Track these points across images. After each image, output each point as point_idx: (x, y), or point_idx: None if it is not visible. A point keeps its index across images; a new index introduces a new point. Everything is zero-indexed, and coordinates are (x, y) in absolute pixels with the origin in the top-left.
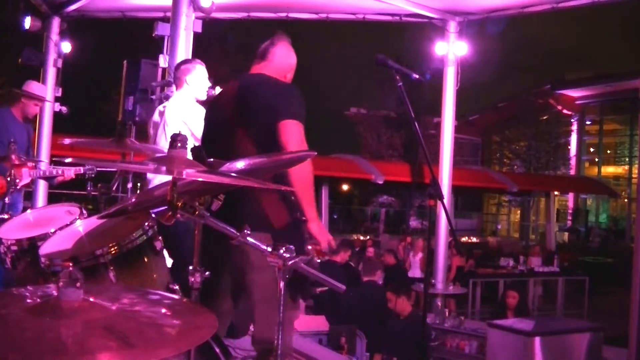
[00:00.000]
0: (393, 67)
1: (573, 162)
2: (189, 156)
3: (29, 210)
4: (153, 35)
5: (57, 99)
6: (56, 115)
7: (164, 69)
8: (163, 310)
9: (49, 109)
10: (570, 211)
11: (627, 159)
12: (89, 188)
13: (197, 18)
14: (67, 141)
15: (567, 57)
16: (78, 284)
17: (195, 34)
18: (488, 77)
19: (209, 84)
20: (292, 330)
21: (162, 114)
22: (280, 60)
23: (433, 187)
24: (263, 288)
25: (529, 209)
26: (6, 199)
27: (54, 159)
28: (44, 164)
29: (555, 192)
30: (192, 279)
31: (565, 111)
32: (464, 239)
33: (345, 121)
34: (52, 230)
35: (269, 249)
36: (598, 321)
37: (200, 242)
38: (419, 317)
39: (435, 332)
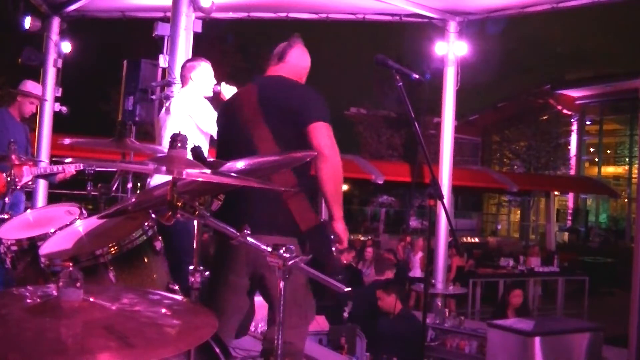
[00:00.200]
0: (393, 67)
1: (573, 162)
2: (189, 156)
3: (29, 210)
4: (153, 35)
5: (57, 99)
6: (56, 115)
7: (164, 69)
8: (163, 310)
9: (49, 108)
10: (570, 211)
11: (627, 159)
12: (89, 188)
13: (197, 18)
14: (67, 141)
15: (567, 57)
16: (78, 284)
17: (195, 34)
18: (488, 77)
19: (215, 82)
20: (307, 332)
21: (167, 109)
22: (297, 62)
23: (433, 187)
24: (287, 292)
25: (529, 209)
26: (6, 199)
27: (54, 158)
28: (43, 164)
29: (555, 192)
30: (192, 279)
31: (565, 111)
32: (464, 239)
33: (345, 121)
34: (52, 230)
35: (269, 249)
36: (598, 321)
37: (218, 241)
38: (410, 316)
39: (435, 332)
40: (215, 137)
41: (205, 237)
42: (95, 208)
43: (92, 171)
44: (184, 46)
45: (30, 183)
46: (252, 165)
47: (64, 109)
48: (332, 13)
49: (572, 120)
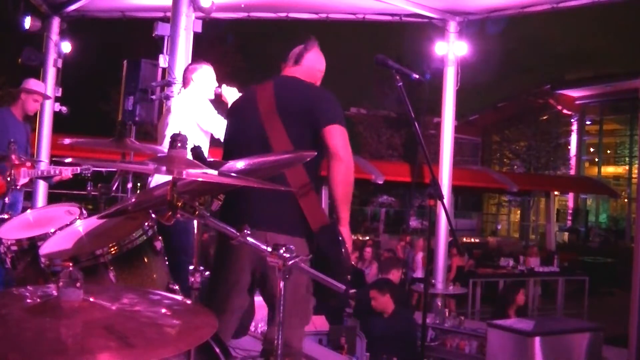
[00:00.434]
0: (393, 67)
1: (573, 162)
2: (189, 156)
3: (29, 210)
4: (153, 35)
5: (57, 99)
6: (56, 115)
7: (164, 69)
8: (163, 310)
9: (49, 108)
10: (570, 211)
11: (627, 159)
12: (89, 188)
13: (197, 18)
14: (67, 141)
15: (567, 57)
16: (78, 284)
17: (195, 34)
18: (488, 77)
19: (216, 84)
20: (304, 333)
21: (169, 109)
22: (313, 65)
23: (433, 187)
24: (290, 289)
25: (529, 209)
26: (6, 199)
27: (54, 159)
28: (43, 164)
29: (555, 192)
30: (192, 279)
31: (565, 111)
32: (464, 239)
33: (345, 121)
34: (52, 230)
35: (269, 249)
36: (598, 321)
37: (219, 240)
38: (403, 316)
39: (435, 332)
40: (215, 136)
41: (205, 237)
42: (95, 208)
43: (89, 174)
44: (184, 46)
45: (27, 184)
46: (253, 165)
47: (64, 109)
48: (332, 13)
49: (572, 120)
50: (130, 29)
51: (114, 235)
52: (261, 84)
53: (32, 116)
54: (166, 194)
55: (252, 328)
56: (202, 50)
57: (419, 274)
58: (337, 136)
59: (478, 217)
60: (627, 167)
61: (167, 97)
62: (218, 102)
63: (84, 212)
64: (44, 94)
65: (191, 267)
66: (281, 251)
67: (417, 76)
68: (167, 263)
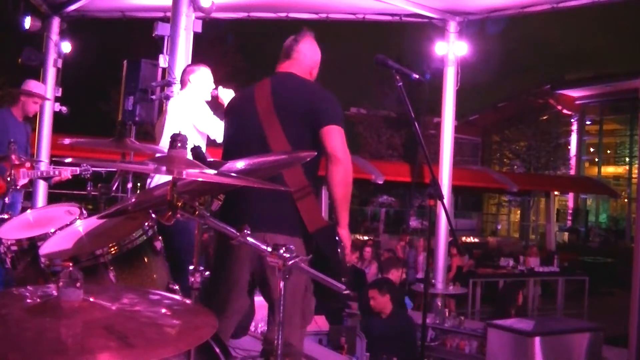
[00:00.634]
0: (393, 67)
1: (573, 162)
2: (189, 156)
3: (29, 210)
4: (153, 35)
5: (57, 99)
6: (56, 115)
7: (164, 69)
8: (163, 310)
9: (49, 108)
10: (570, 211)
11: (627, 159)
12: (89, 188)
13: (197, 18)
14: (67, 141)
15: (567, 57)
16: (78, 284)
17: (195, 34)
18: (488, 77)
19: (213, 86)
20: (305, 333)
21: (165, 111)
22: (306, 57)
23: (433, 187)
24: (288, 290)
25: (529, 209)
26: (6, 199)
27: (54, 159)
28: (43, 164)
29: (555, 192)
30: (192, 279)
31: (565, 111)
32: (464, 239)
33: (345, 121)
34: (52, 230)
35: (269, 249)
36: (598, 321)
37: (219, 240)
38: (402, 316)
39: (435, 332)
40: (211, 137)
41: (205, 237)
42: (95, 208)
43: (88, 175)
44: (184, 46)
45: (26, 184)
46: (253, 165)
47: (64, 109)
48: (332, 13)
49: (572, 120)
50: (130, 29)
51: (114, 235)
52: (259, 82)
53: (32, 117)
54: (166, 194)
55: (252, 328)
56: (202, 50)
57: (422, 275)
58: (334, 137)
59: (478, 217)
60: (627, 167)
61: (167, 97)
62: (215, 103)
63: (84, 212)
64: (44, 96)
65: (191, 267)
66: (281, 251)
67: (417, 76)
68: (167, 263)
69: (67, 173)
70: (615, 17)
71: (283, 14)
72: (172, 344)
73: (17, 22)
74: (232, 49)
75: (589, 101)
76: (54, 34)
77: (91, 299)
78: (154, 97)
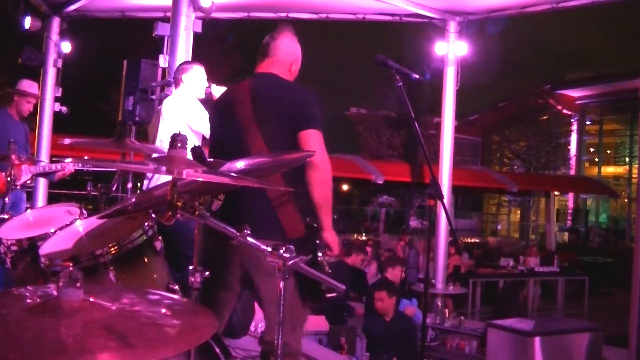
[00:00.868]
0: (393, 67)
1: (573, 162)
2: (189, 156)
3: (29, 210)
4: (153, 35)
5: (57, 99)
6: (56, 115)
7: (164, 69)
8: (163, 310)
9: (49, 108)
10: (570, 211)
11: (627, 159)
12: (89, 188)
13: (197, 18)
14: (67, 141)
15: (567, 57)
16: (78, 284)
17: (195, 34)
18: (488, 77)
19: (207, 84)
20: (302, 333)
21: (159, 111)
22: (283, 54)
23: (433, 187)
24: (275, 293)
25: (529, 209)
26: (6, 199)
27: (54, 159)
28: (43, 164)
29: (555, 192)
30: (192, 279)
31: (565, 111)
32: (464, 239)
33: (345, 121)
34: (52, 230)
35: (269, 249)
36: (598, 321)
37: (205, 239)
38: (404, 318)
39: (435, 332)
40: (207, 136)
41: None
42: (95, 208)
43: (91, 168)
44: (184, 46)
45: (29, 182)
46: (252, 166)
47: (64, 109)
48: (332, 13)
49: (572, 120)
50: (130, 29)
51: (114, 235)
52: (239, 84)
53: (31, 115)
54: (166, 194)
55: (252, 328)
56: (202, 50)
57: (423, 275)
58: (312, 142)
59: (478, 217)
60: (627, 167)
61: (167, 97)
62: (209, 102)
63: (84, 212)
64: (37, 95)
65: (191, 267)
66: (281, 251)
67: (417, 76)
68: (167, 263)
69: (69, 167)
70: (615, 17)
71: (283, 14)
72: (172, 344)
73: (17, 22)
74: (232, 49)
75: (589, 101)
76: (54, 34)
77: (91, 299)
78: (154, 97)
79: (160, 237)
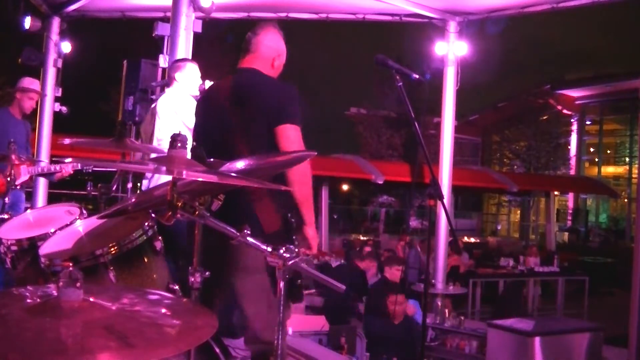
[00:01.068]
0: (393, 67)
1: (573, 162)
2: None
3: (29, 210)
4: (153, 35)
5: (57, 99)
6: (56, 115)
7: (164, 69)
8: (163, 310)
9: (49, 108)
10: (570, 211)
11: (627, 159)
12: (89, 188)
13: (197, 18)
14: (67, 141)
15: (567, 57)
16: (78, 284)
17: (195, 34)
18: (488, 77)
19: (199, 82)
20: (286, 330)
21: (154, 110)
22: (265, 49)
23: (433, 187)
24: (252, 291)
25: (529, 209)
26: (6, 199)
27: (54, 158)
28: (43, 164)
29: (555, 192)
30: (192, 279)
31: (565, 111)
32: (464, 239)
33: (345, 121)
34: (52, 230)
35: (269, 249)
36: (598, 321)
37: (187, 242)
38: (412, 322)
39: (435, 332)
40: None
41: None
42: (95, 208)
43: (90, 170)
44: (184, 46)
45: (28, 181)
46: (252, 166)
47: (64, 109)
48: (332, 13)
49: (572, 120)
50: (130, 29)
51: (114, 235)
52: (221, 80)
53: (32, 115)
54: (166, 194)
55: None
56: (202, 50)
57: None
58: (288, 137)
59: (478, 217)
60: (627, 167)
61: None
62: None
63: (84, 212)
64: (39, 91)
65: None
66: (281, 251)
67: (417, 76)
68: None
69: (68, 168)
70: (615, 17)
71: (283, 14)
72: (172, 344)
73: (17, 22)
74: (232, 49)
75: (589, 101)
76: (54, 34)
77: (91, 299)
78: (154, 97)
79: (160, 237)
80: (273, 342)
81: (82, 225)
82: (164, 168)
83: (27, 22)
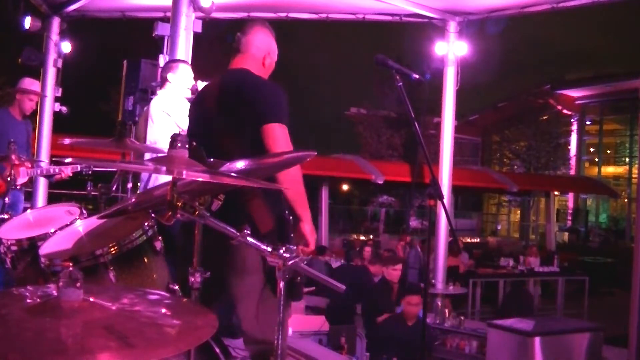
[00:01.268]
0: (393, 67)
1: (573, 162)
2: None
3: (29, 210)
4: (153, 35)
5: (57, 99)
6: (56, 115)
7: None
8: (163, 310)
9: (49, 108)
10: (570, 211)
11: (627, 159)
12: (89, 188)
13: (197, 18)
14: (67, 141)
15: (567, 57)
16: (78, 284)
17: (195, 34)
18: (488, 77)
19: (192, 82)
20: (287, 330)
21: (146, 111)
22: (255, 49)
23: (433, 187)
24: (247, 292)
25: (529, 209)
26: (6, 199)
27: (54, 159)
28: (43, 164)
29: (555, 192)
30: (192, 279)
31: (565, 111)
32: (464, 239)
33: (345, 121)
34: (52, 230)
35: (269, 249)
36: (598, 321)
37: (184, 245)
38: (425, 323)
39: (435, 332)
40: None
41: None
42: (95, 208)
43: (90, 172)
44: (184, 46)
45: (26, 183)
46: (252, 166)
47: (64, 109)
48: (332, 13)
49: (572, 120)
50: (130, 29)
51: (114, 235)
52: (211, 81)
53: (32, 115)
54: (166, 194)
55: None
56: (202, 50)
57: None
58: (273, 136)
59: (478, 217)
60: (627, 167)
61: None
62: None
63: (84, 212)
64: (39, 92)
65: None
66: (281, 251)
67: (417, 76)
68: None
69: (67, 171)
70: (615, 17)
71: (283, 14)
72: (172, 344)
73: (17, 22)
74: (232, 49)
75: (589, 101)
76: (54, 34)
77: (91, 299)
78: (153, 97)
79: (160, 237)
80: (271, 341)
81: (82, 225)
82: (164, 168)
83: (27, 22)
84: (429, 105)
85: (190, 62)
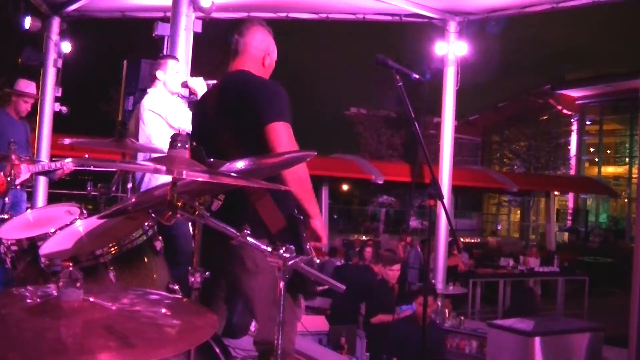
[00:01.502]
0: (393, 67)
1: (573, 162)
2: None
3: (29, 210)
4: (153, 35)
5: (57, 99)
6: (56, 115)
7: None
8: (163, 310)
9: (49, 108)
10: (570, 211)
11: (627, 159)
12: (89, 188)
13: (197, 18)
14: (67, 141)
15: (567, 57)
16: (78, 284)
17: (195, 34)
18: (488, 77)
19: (182, 78)
20: (295, 331)
21: (138, 111)
22: (253, 49)
23: (433, 187)
24: (261, 292)
25: (529, 209)
26: (6, 199)
27: (53, 159)
28: (44, 162)
29: (555, 192)
30: (192, 279)
31: (565, 111)
32: (464, 239)
33: (345, 121)
34: (52, 230)
35: (269, 249)
36: (598, 321)
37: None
38: (435, 324)
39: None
40: (187, 131)
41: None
42: (95, 208)
43: (91, 167)
44: (184, 46)
45: (28, 180)
46: (252, 166)
47: (64, 109)
48: (332, 13)
49: (572, 120)
50: (130, 29)
51: (114, 235)
52: (213, 85)
53: (32, 114)
54: (166, 194)
55: (252, 328)
56: (202, 50)
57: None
58: (278, 134)
59: (478, 217)
60: (627, 167)
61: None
62: (191, 94)
63: (84, 212)
64: (34, 94)
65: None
66: (281, 251)
67: (417, 76)
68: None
69: (69, 165)
70: (615, 17)
71: (283, 14)
72: (172, 344)
73: (17, 22)
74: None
75: (589, 101)
76: (54, 34)
77: (91, 299)
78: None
79: (160, 237)
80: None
81: (82, 225)
82: (164, 168)
83: (27, 22)
84: (429, 105)
85: (190, 62)
